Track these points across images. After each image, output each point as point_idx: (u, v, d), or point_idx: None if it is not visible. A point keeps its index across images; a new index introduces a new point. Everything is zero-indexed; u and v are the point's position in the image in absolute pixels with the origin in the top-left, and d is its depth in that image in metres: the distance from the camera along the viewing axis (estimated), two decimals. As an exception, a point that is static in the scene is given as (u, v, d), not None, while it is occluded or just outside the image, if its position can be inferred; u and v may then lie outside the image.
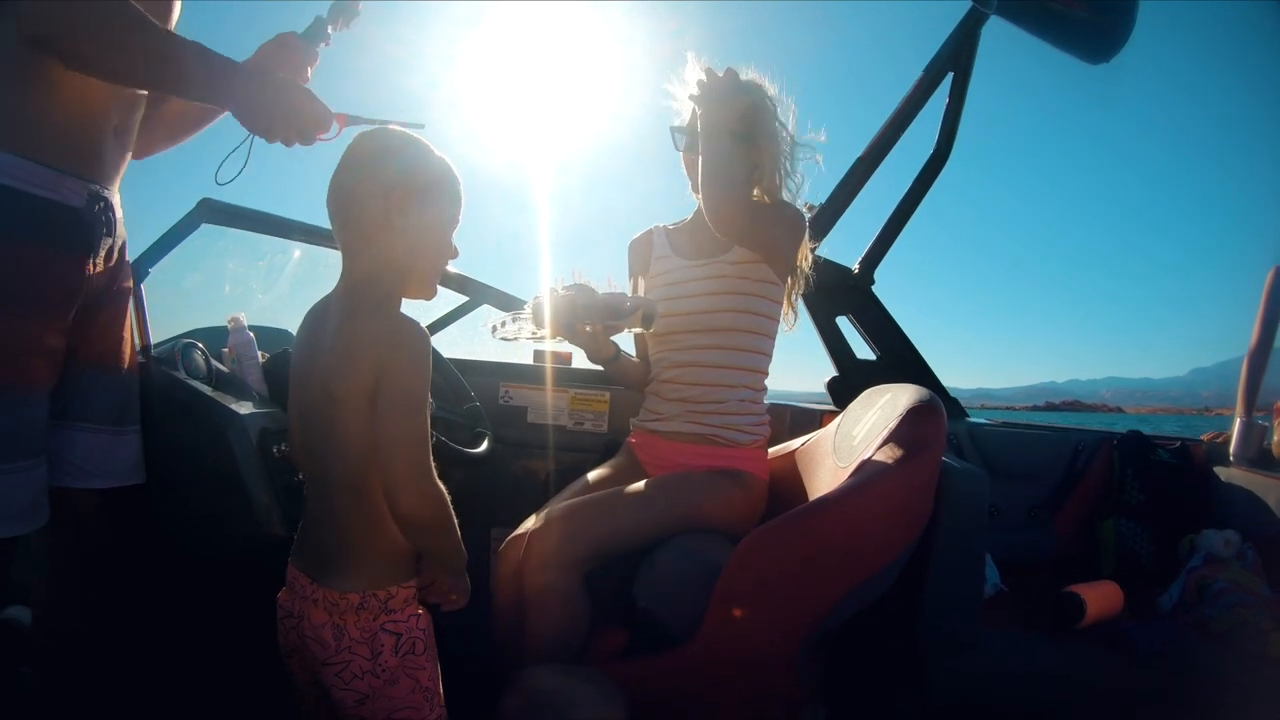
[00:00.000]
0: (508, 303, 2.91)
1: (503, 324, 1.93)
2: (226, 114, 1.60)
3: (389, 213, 1.25)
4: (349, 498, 1.25)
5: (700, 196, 1.91)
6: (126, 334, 1.68)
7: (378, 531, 1.26)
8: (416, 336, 1.22)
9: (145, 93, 1.65)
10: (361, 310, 1.25)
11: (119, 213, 1.62)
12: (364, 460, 1.22)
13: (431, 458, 1.22)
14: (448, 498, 1.24)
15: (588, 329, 1.93)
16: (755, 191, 2.06)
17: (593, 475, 2.10)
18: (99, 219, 1.55)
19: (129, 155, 1.65)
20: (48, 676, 1.57)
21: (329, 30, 1.88)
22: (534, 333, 1.92)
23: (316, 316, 1.33)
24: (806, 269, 2.12)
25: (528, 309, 1.89)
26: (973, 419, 2.98)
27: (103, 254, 1.57)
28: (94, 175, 1.54)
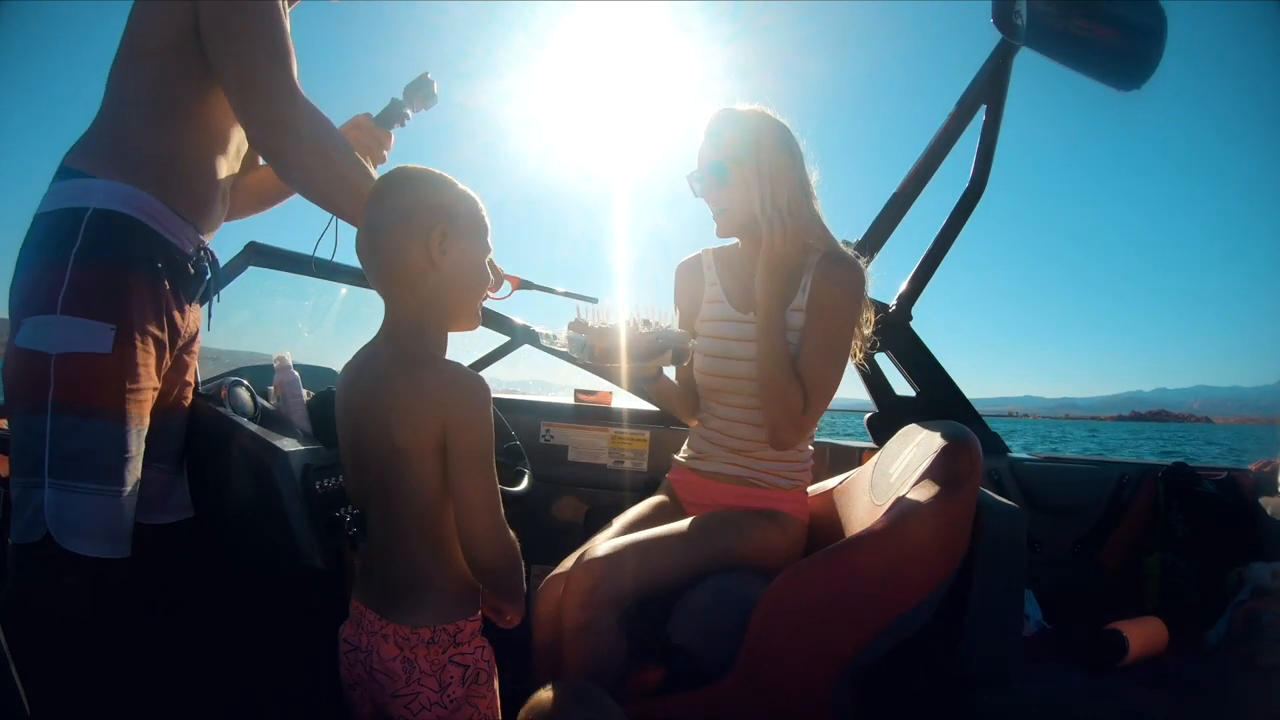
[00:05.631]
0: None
1: (553, 337, 1.92)
2: None
3: (430, 253, 1.26)
4: (419, 540, 1.28)
5: (764, 417, 1.95)
6: (191, 378, 1.76)
7: (447, 569, 1.30)
8: (480, 391, 1.24)
9: (244, 162, 1.79)
10: (420, 364, 1.27)
11: (218, 264, 1.73)
12: (433, 505, 1.27)
13: (502, 508, 1.26)
14: (518, 545, 1.29)
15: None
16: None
17: (632, 513, 2.11)
18: (204, 269, 1.66)
19: (224, 216, 1.76)
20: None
21: (406, 113, 1.96)
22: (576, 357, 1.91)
23: (364, 363, 1.35)
24: (869, 323, 2.08)
25: (562, 335, 1.88)
26: (1014, 454, 2.96)
27: (199, 303, 1.69)
28: (203, 228, 1.66)
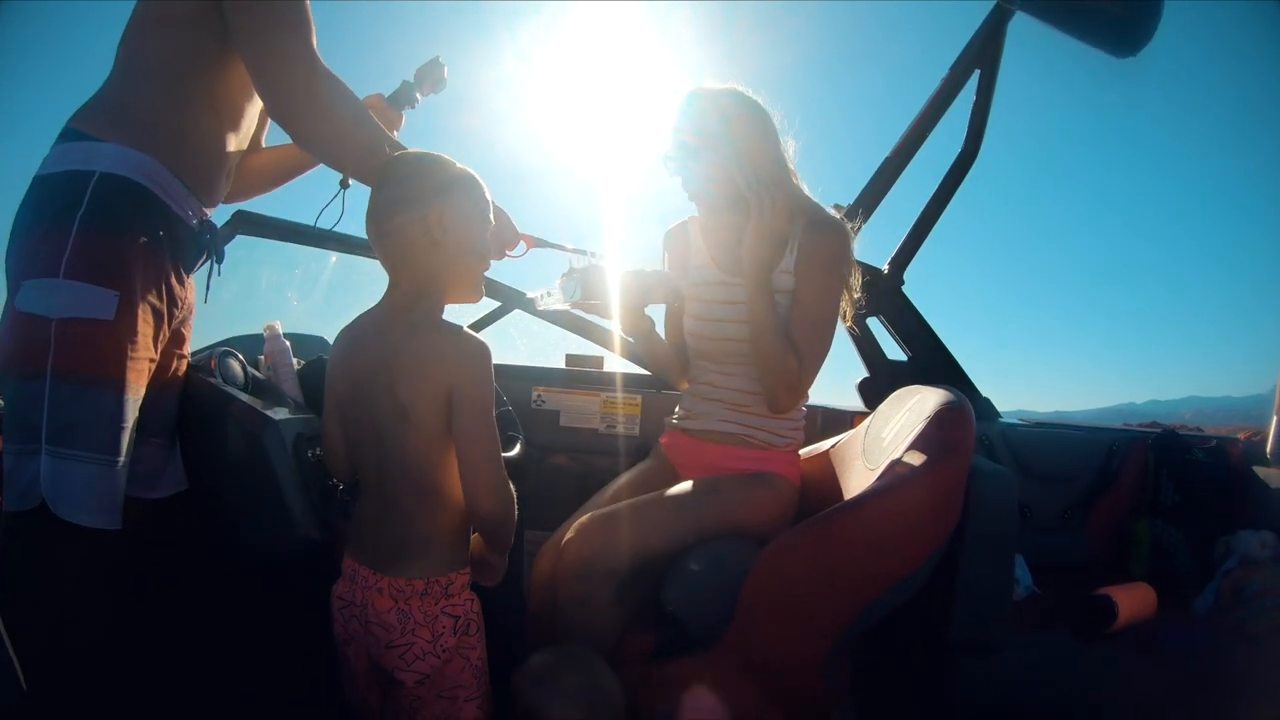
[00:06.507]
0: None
1: (546, 294, 1.93)
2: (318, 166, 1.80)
3: (430, 231, 1.33)
4: (417, 498, 1.35)
5: (760, 383, 1.94)
6: (187, 352, 1.75)
7: (440, 525, 1.37)
8: (482, 352, 1.33)
9: (250, 141, 1.79)
10: (425, 328, 1.35)
11: (219, 237, 1.72)
12: (431, 462, 1.34)
13: (502, 461, 1.34)
14: (515, 495, 1.36)
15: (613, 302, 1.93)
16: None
17: (624, 479, 2.11)
18: (206, 242, 1.65)
19: (226, 192, 1.76)
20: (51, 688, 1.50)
21: (416, 95, 1.99)
22: (570, 302, 1.93)
23: (363, 331, 1.41)
24: (857, 284, 2.05)
25: (558, 284, 1.90)
26: (1005, 420, 2.96)
27: (197, 276, 1.69)
28: (206, 201, 1.65)
